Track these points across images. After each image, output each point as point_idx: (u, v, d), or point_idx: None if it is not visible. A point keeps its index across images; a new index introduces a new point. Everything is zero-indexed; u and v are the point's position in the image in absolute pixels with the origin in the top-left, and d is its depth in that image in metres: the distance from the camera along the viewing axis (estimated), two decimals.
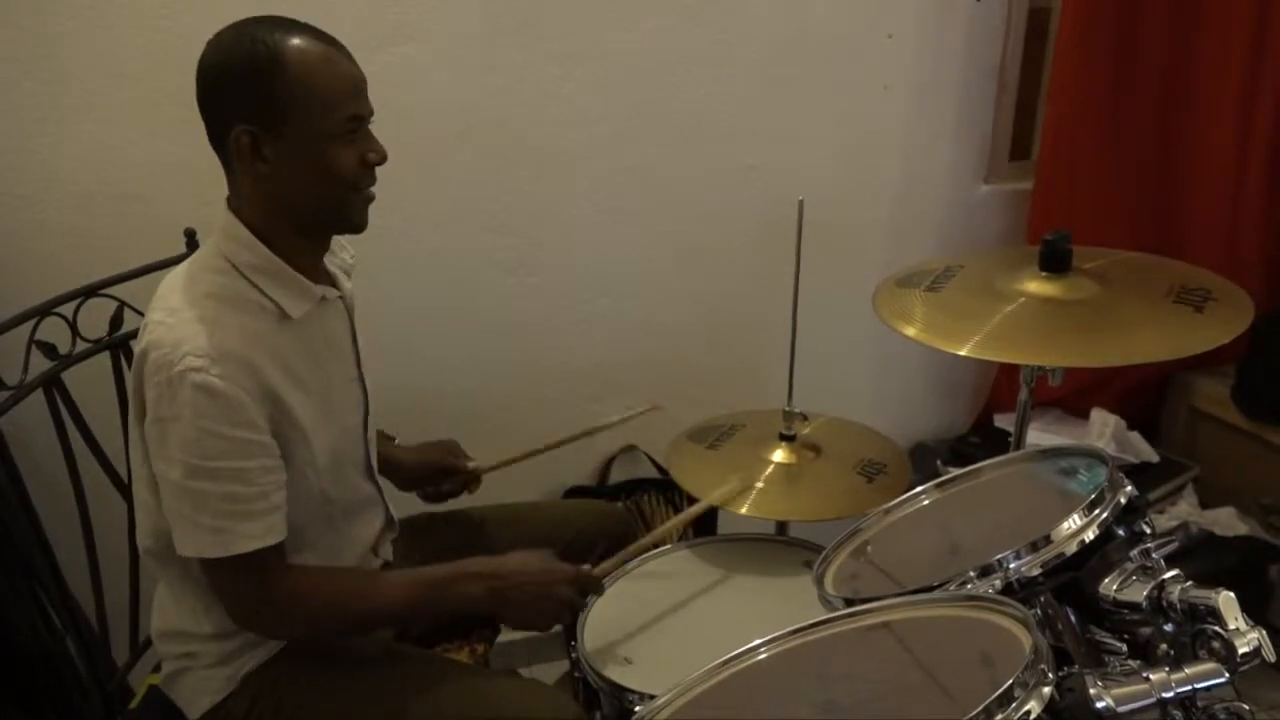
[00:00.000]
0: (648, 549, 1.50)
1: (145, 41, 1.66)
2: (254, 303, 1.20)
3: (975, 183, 2.42)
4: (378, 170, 1.24)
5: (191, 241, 1.59)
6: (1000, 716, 0.77)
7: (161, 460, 1.14)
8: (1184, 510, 2.30)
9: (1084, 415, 2.41)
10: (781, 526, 1.78)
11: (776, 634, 1.06)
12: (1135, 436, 2.37)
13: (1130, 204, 2.37)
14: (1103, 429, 2.34)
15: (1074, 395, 2.42)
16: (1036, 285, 1.40)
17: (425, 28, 1.83)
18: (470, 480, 1.64)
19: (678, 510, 2.17)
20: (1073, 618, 1.07)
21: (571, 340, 2.14)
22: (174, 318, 1.14)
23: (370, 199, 1.25)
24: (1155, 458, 2.36)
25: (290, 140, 1.15)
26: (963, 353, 1.33)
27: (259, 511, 1.16)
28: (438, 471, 1.61)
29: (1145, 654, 1.00)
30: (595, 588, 1.39)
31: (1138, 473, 2.30)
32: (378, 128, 1.24)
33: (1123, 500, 1.08)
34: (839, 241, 2.25)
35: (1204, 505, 2.31)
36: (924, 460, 2.46)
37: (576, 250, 2.09)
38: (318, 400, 1.25)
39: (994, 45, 2.32)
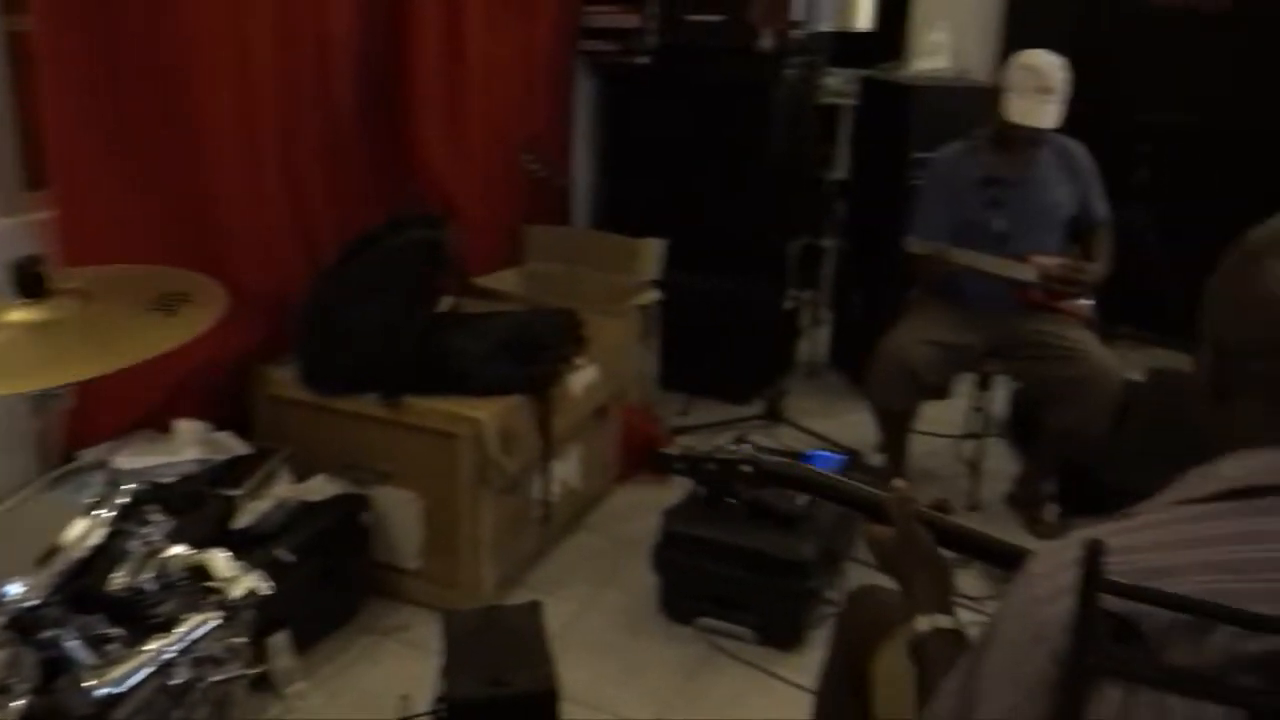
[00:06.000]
0: None
1: None
2: None
3: None
4: None
5: None
6: None
7: None
8: (284, 489, 2.49)
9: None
10: None
11: None
12: (224, 435, 2.48)
13: (161, 209, 2.37)
14: (190, 437, 2.40)
15: (153, 413, 2.41)
16: (18, 314, 1.36)
17: None
18: None
19: None
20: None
21: None
22: None
23: None
24: (247, 449, 2.50)
25: None
26: None
27: None
28: None
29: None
30: None
31: (233, 466, 2.42)
32: None
33: (124, 499, 1.12)
34: None
35: (301, 479, 2.54)
36: None
37: None
38: None
39: None
